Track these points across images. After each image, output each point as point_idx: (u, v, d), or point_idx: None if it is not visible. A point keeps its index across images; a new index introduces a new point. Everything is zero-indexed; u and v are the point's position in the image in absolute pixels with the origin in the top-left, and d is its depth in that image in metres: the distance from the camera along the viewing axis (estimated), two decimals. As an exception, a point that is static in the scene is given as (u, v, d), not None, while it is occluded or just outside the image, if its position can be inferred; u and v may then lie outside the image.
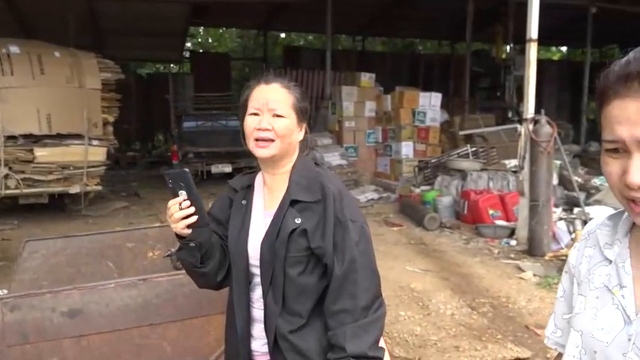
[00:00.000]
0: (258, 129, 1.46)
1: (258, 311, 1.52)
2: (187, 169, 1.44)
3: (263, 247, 1.47)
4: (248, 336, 1.53)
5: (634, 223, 0.94)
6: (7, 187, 7.49)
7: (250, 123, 1.48)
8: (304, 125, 1.56)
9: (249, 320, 1.53)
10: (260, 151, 1.48)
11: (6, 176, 7.44)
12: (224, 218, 1.59)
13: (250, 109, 1.49)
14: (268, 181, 1.56)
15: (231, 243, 1.54)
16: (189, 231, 1.44)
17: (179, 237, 1.47)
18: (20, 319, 2.00)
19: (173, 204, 1.41)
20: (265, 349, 1.51)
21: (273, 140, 1.47)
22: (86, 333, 2.04)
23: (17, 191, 7.60)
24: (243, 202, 1.57)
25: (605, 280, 0.93)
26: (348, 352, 1.39)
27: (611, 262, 0.94)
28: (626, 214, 0.95)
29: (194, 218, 1.41)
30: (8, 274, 4.23)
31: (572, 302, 1.02)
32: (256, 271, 1.51)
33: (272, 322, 1.47)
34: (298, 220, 1.45)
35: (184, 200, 1.40)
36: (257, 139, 1.47)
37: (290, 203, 1.47)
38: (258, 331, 1.52)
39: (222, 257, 1.54)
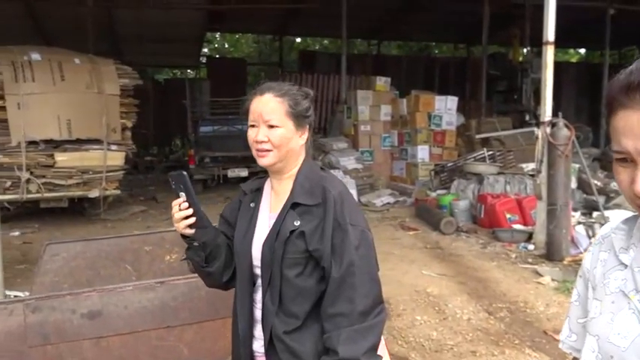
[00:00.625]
0: (255, 141, 1.52)
1: (259, 311, 1.54)
2: (185, 172, 1.50)
3: (264, 248, 1.51)
4: (250, 336, 1.55)
5: None
6: (29, 192, 7.63)
7: (250, 135, 1.54)
8: (305, 128, 1.57)
9: (251, 321, 1.55)
10: (260, 161, 1.54)
11: (27, 181, 7.57)
12: (233, 220, 1.63)
13: (249, 121, 1.55)
14: (275, 185, 1.60)
15: (236, 244, 1.58)
16: (192, 231, 1.50)
17: (184, 237, 1.53)
18: (41, 321, 2.04)
19: (174, 204, 1.48)
20: None
21: (271, 150, 1.51)
22: (105, 334, 2.07)
23: (38, 195, 7.73)
24: (252, 204, 1.61)
25: (621, 285, 0.93)
26: (340, 356, 1.39)
27: (626, 266, 0.93)
28: None
29: (193, 219, 1.48)
30: (29, 276, 4.31)
31: (587, 306, 1.01)
32: (258, 271, 1.54)
33: (268, 321, 1.49)
34: (297, 223, 1.47)
35: (183, 202, 1.46)
36: (257, 150, 1.53)
37: (291, 206, 1.50)
38: (259, 331, 1.54)
39: (229, 258, 1.59)
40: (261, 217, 1.58)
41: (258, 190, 1.63)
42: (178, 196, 1.47)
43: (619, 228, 0.99)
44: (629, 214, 1.02)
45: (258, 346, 1.55)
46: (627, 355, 0.87)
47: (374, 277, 1.49)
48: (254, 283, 1.55)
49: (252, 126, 1.54)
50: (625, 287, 0.92)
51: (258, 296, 1.54)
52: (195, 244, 1.51)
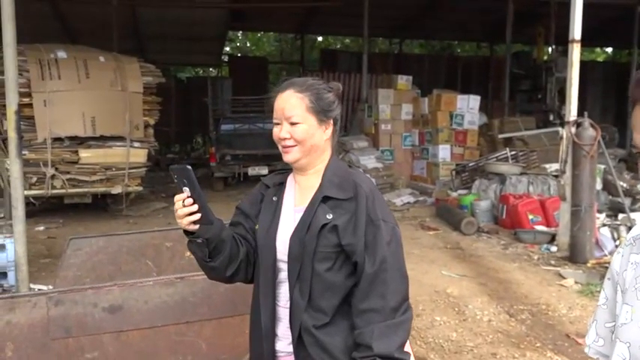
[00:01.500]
0: (279, 138, 1.53)
1: (283, 310, 1.52)
2: (190, 166, 1.42)
3: (292, 242, 1.49)
4: (272, 335, 1.53)
5: None
6: (54, 187, 7.76)
7: (274, 133, 1.55)
8: (329, 123, 1.55)
9: (274, 318, 1.53)
10: (285, 157, 1.54)
11: (52, 176, 7.71)
12: (253, 213, 1.61)
13: (273, 119, 1.55)
14: (300, 180, 1.59)
15: (260, 238, 1.56)
16: (196, 227, 1.44)
17: (186, 232, 1.48)
18: (64, 314, 2.07)
19: (177, 200, 1.42)
20: (290, 348, 1.50)
21: (294, 146, 1.51)
22: (125, 329, 2.10)
23: (62, 191, 7.87)
24: (274, 198, 1.59)
25: None
26: (374, 351, 1.39)
27: None
28: None
29: (197, 216, 1.42)
30: (53, 270, 4.39)
31: (615, 310, 0.98)
32: (283, 266, 1.51)
33: (297, 316, 1.47)
34: (330, 216, 1.46)
35: (187, 197, 1.39)
36: (282, 146, 1.54)
37: (322, 199, 1.49)
38: (282, 329, 1.52)
39: (234, 252, 1.53)
40: (286, 211, 1.56)
41: (281, 185, 1.61)
42: (182, 191, 1.40)
43: None
44: None
45: (282, 345, 1.53)
46: None
47: (403, 274, 1.50)
48: (275, 279, 1.53)
49: (277, 124, 1.54)
50: None
51: (281, 293, 1.52)
52: (199, 240, 1.46)
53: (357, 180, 1.52)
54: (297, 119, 1.51)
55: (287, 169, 1.64)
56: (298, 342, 1.47)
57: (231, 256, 1.53)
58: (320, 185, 1.52)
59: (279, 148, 1.55)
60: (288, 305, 1.50)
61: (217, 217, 1.50)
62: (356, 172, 1.58)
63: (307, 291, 1.46)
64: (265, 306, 1.53)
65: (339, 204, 1.48)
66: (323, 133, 1.54)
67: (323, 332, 1.45)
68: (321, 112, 1.53)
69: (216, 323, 2.17)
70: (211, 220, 1.45)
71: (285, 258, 1.50)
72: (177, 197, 1.43)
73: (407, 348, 1.51)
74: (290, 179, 1.62)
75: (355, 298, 1.46)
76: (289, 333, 1.50)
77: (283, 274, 1.52)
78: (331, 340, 1.45)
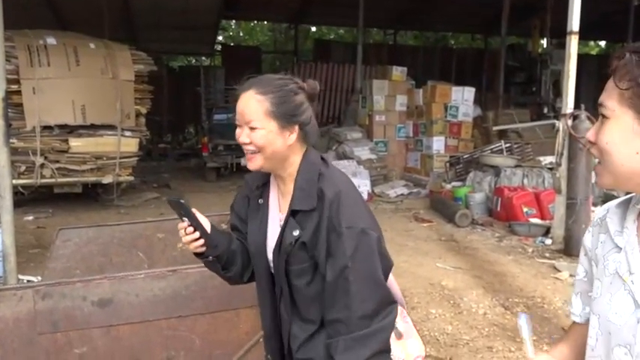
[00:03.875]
0: (240, 142, 1.43)
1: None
2: (183, 200, 1.42)
3: (274, 257, 1.47)
4: (279, 336, 1.53)
5: None
6: (43, 176, 7.64)
7: (236, 135, 1.45)
8: (294, 128, 1.41)
9: (276, 322, 1.53)
10: (248, 164, 1.45)
11: (42, 165, 7.59)
12: (244, 215, 1.58)
13: (236, 121, 1.45)
14: (280, 185, 1.51)
15: (251, 246, 1.53)
16: (204, 249, 1.45)
17: (197, 254, 1.49)
18: (51, 308, 1.99)
19: (180, 229, 1.44)
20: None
21: (256, 153, 1.42)
22: (116, 323, 2.03)
23: (52, 180, 7.75)
24: (260, 201, 1.53)
25: (617, 267, 0.99)
26: None
27: (621, 249, 0.99)
28: (633, 201, 1.01)
29: (201, 241, 1.43)
30: (43, 261, 4.30)
31: (593, 282, 1.07)
32: (279, 279, 1.51)
33: (285, 330, 1.48)
34: (296, 233, 1.40)
35: (188, 226, 1.42)
36: (245, 152, 1.45)
37: (291, 213, 1.42)
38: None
39: (246, 259, 1.55)
40: (272, 217, 1.51)
41: (265, 185, 1.54)
42: (182, 220, 1.42)
43: (613, 212, 1.04)
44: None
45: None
46: (622, 332, 0.95)
47: (376, 280, 1.40)
48: (273, 286, 1.52)
49: (238, 126, 1.44)
50: (620, 269, 0.98)
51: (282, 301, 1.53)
52: (210, 259, 1.48)
53: (323, 186, 1.40)
54: (256, 124, 1.39)
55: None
56: (289, 352, 1.50)
57: (244, 263, 1.54)
58: (292, 196, 1.43)
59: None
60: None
61: (225, 231, 1.55)
62: (325, 173, 1.44)
63: (289, 306, 1.46)
64: (265, 310, 1.54)
65: (306, 216, 1.40)
66: (285, 139, 1.40)
67: (309, 347, 1.45)
68: (282, 117, 1.39)
69: (209, 318, 2.11)
70: (215, 244, 1.46)
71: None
72: (179, 226, 1.43)
73: (411, 333, 1.51)
74: (273, 180, 1.54)
75: (324, 309, 1.41)
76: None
77: (278, 284, 1.51)
78: (317, 351, 1.44)
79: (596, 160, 0.99)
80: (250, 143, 1.40)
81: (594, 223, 1.10)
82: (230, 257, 1.50)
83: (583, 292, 1.13)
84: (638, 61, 0.92)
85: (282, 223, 1.46)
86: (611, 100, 0.95)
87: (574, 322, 1.17)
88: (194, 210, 1.42)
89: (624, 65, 0.93)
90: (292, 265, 1.41)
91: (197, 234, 1.41)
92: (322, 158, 1.49)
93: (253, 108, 1.39)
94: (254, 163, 1.43)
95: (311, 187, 1.41)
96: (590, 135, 0.99)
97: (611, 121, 0.94)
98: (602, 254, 1.04)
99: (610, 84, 0.95)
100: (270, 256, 1.48)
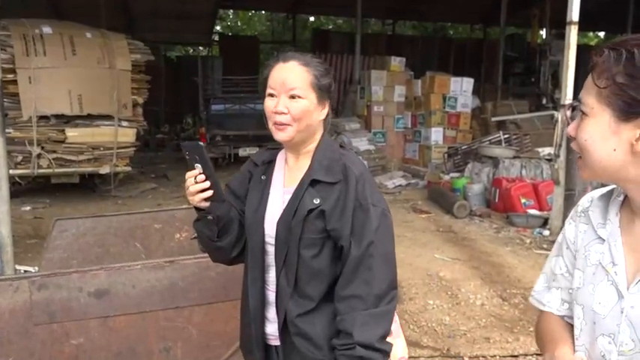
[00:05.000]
0: (274, 112, 1.42)
1: (271, 293, 1.48)
2: (202, 143, 1.40)
3: (279, 226, 1.43)
4: (262, 318, 1.49)
5: (623, 203, 1.02)
6: (40, 167, 7.61)
7: (268, 105, 1.44)
8: (327, 103, 1.48)
9: (263, 301, 1.48)
10: (277, 135, 1.44)
11: (38, 156, 7.56)
12: (243, 193, 1.55)
13: (268, 90, 1.44)
14: (290, 160, 1.51)
15: (247, 218, 1.50)
16: (207, 204, 1.41)
17: (197, 209, 1.44)
18: (48, 298, 1.98)
19: (189, 177, 1.39)
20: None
21: (289, 124, 1.41)
22: (112, 314, 2.02)
23: (49, 171, 7.72)
24: (263, 177, 1.52)
25: (600, 258, 1.01)
26: (355, 339, 1.34)
27: (604, 240, 1.02)
28: (615, 194, 1.04)
29: (209, 192, 1.38)
30: (40, 251, 4.29)
31: (575, 276, 1.09)
32: (271, 249, 1.47)
33: (283, 303, 1.43)
34: (317, 201, 1.40)
35: (200, 174, 1.37)
36: (275, 123, 1.43)
37: (310, 183, 1.42)
38: (272, 313, 1.48)
39: (240, 232, 1.51)
40: (274, 192, 1.50)
41: (270, 163, 1.54)
42: (192, 168, 1.37)
43: (595, 204, 1.06)
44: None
45: (272, 329, 1.49)
46: (606, 322, 0.97)
47: (391, 261, 1.43)
48: (264, 262, 1.48)
49: (271, 95, 1.43)
50: (603, 260, 1.00)
51: (271, 277, 1.47)
52: (210, 217, 1.43)
53: (348, 162, 1.44)
54: (300, 92, 1.41)
55: (278, 147, 1.56)
56: (283, 328, 1.44)
57: (238, 237, 1.51)
58: (309, 167, 1.44)
59: (269, 124, 1.45)
60: (275, 289, 1.46)
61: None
62: (347, 154, 1.49)
63: (293, 277, 1.42)
64: (254, 289, 1.48)
65: (327, 187, 1.41)
66: (320, 113, 1.46)
67: (306, 321, 1.42)
68: (322, 90, 1.45)
69: (206, 309, 2.10)
70: (223, 197, 1.42)
71: (273, 241, 1.45)
72: (189, 174, 1.39)
73: (397, 333, 1.47)
74: (280, 157, 1.54)
75: (338, 284, 1.40)
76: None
77: (271, 258, 1.47)
78: (313, 328, 1.41)
79: (577, 155, 1.01)
80: (287, 113, 1.41)
81: (576, 215, 1.11)
82: (227, 224, 1.47)
83: (564, 289, 1.14)
84: (616, 58, 0.92)
85: (287, 196, 1.45)
86: (589, 97, 0.95)
87: (550, 314, 1.16)
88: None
89: (602, 62, 0.94)
90: (304, 233, 1.40)
91: (208, 183, 1.37)
92: (340, 143, 1.55)
93: (299, 77, 1.42)
94: (286, 133, 1.42)
95: (332, 162, 1.43)
96: (570, 130, 1.00)
97: (590, 119, 0.95)
98: (583, 245, 1.06)
99: (589, 81, 0.96)
100: (267, 229, 1.46)
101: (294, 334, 1.42)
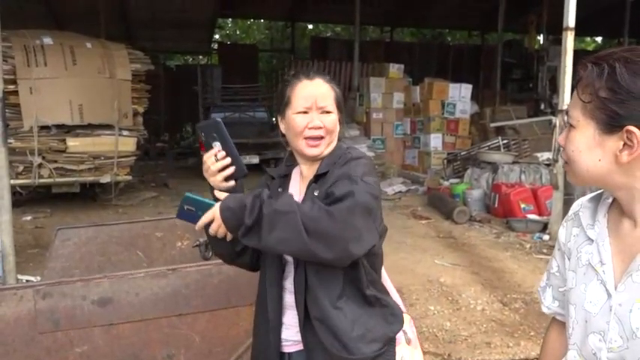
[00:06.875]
0: (311, 127, 1.46)
1: (290, 297, 1.49)
2: (219, 119, 1.41)
3: None
4: (279, 324, 1.50)
5: (611, 205, 1.06)
6: (41, 176, 7.63)
7: (300, 122, 1.47)
8: (342, 116, 1.57)
9: (280, 307, 1.50)
10: (311, 150, 1.48)
11: (39, 165, 7.58)
12: None
13: (298, 108, 1.47)
14: (304, 169, 1.56)
15: None
16: (231, 183, 1.41)
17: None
18: (52, 307, 2.00)
19: (208, 157, 1.39)
20: (298, 336, 1.48)
21: (323, 137, 1.47)
22: (116, 321, 2.04)
23: (50, 180, 7.74)
24: (280, 189, 1.56)
25: (590, 258, 1.05)
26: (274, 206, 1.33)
27: (593, 241, 1.05)
28: (604, 196, 1.07)
29: (231, 169, 1.39)
30: (41, 261, 4.31)
31: (565, 276, 1.13)
32: (289, 257, 1.49)
33: (301, 305, 1.44)
34: (316, 193, 1.44)
35: (219, 151, 1.35)
36: (307, 138, 1.46)
37: (314, 179, 1.47)
38: (290, 318, 1.50)
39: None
40: None
41: (286, 177, 1.59)
42: (209, 148, 1.36)
43: (585, 206, 1.10)
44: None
45: (289, 333, 1.50)
46: (597, 320, 1.01)
47: (371, 214, 1.38)
48: (283, 270, 1.51)
49: (305, 112, 1.47)
50: (592, 260, 1.04)
51: (288, 282, 1.50)
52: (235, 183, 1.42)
53: (351, 150, 1.52)
54: (330, 108, 1.49)
55: (293, 164, 1.60)
56: (305, 328, 1.44)
57: (256, 251, 1.53)
58: (317, 169, 1.50)
59: (300, 141, 1.46)
60: (293, 292, 1.47)
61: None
62: (353, 148, 1.57)
63: (312, 276, 1.43)
64: (272, 296, 1.50)
65: (326, 175, 1.46)
66: (340, 126, 1.54)
67: (331, 317, 1.41)
68: (341, 105, 1.55)
69: (209, 315, 2.12)
70: (245, 172, 1.41)
71: None
72: (207, 155, 1.40)
73: (416, 344, 1.51)
74: (295, 172, 1.59)
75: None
76: (296, 321, 1.47)
77: (290, 265, 1.49)
78: (339, 324, 1.41)
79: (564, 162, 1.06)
80: (322, 127, 1.47)
81: (568, 218, 1.16)
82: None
83: (555, 287, 1.19)
84: (599, 73, 0.95)
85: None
86: (575, 110, 1.00)
87: (553, 329, 1.25)
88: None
89: (586, 77, 0.97)
90: None
91: (229, 159, 1.37)
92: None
93: (327, 93, 1.50)
94: (319, 149, 1.48)
95: (335, 156, 1.50)
96: (560, 140, 1.05)
97: (577, 131, 1.00)
98: (575, 247, 1.10)
99: (575, 94, 1.00)
100: None
101: (318, 327, 1.41)
